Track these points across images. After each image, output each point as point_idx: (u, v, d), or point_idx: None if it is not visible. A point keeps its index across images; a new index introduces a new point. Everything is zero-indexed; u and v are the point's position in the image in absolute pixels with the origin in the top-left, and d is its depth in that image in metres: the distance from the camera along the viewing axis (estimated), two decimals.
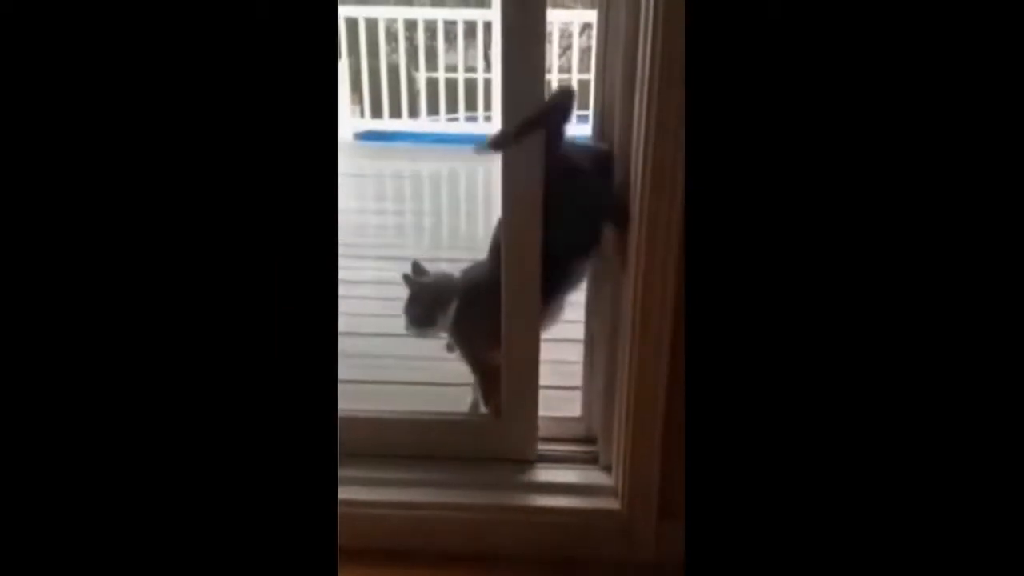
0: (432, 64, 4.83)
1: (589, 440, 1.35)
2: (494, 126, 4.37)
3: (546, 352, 1.26)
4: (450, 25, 4.82)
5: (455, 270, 1.34)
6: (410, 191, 4.13)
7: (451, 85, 4.81)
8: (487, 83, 4.72)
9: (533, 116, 1.11)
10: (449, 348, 1.35)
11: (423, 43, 5.07)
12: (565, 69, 4.86)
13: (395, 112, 4.85)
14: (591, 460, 1.31)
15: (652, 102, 0.99)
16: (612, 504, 1.23)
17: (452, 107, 4.89)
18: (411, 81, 4.96)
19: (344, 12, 4.50)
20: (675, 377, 1.12)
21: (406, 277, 1.30)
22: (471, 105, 4.84)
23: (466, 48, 5.00)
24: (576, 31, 5.03)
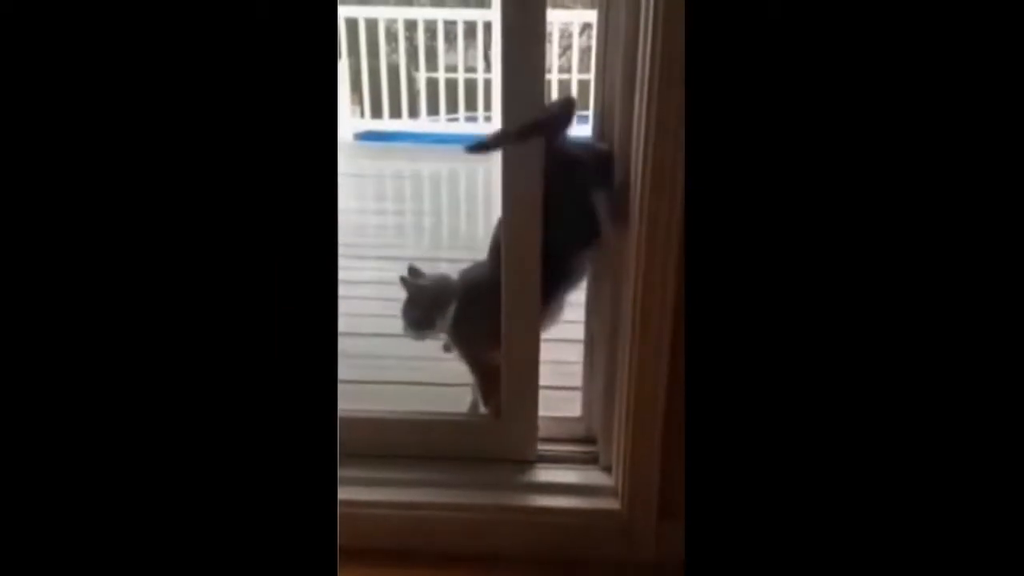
0: (432, 64, 4.83)
1: (589, 440, 1.35)
2: (494, 126, 4.36)
3: (546, 352, 1.26)
4: (450, 25, 4.82)
5: (454, 271, 1.34)
6: (410, 191, 4.13)
7: (451, 85, 4.81)
8: (487, 83, 4.72)
9: (532, 122, 1.11)
10: (446, 348, 1.35)
11: (423, 43, 5.07)
12: (565, 69, 4.85)
13: (395, 112, 4.85)
14: (591, 460, 1.31)
15: (652, 102, 0.99)
16: (612, 504, 1.23)
17: (452, 107, 4.88)
18: (411, 81, 4.96)
19: (344, 12, 4.49)
20: (675, 377, 1.12)
21: (403, 280, 1.30)
22: (471, 105, 4.83)
23: (466, 48, 5.00)
24: (576, 31, 5.03)
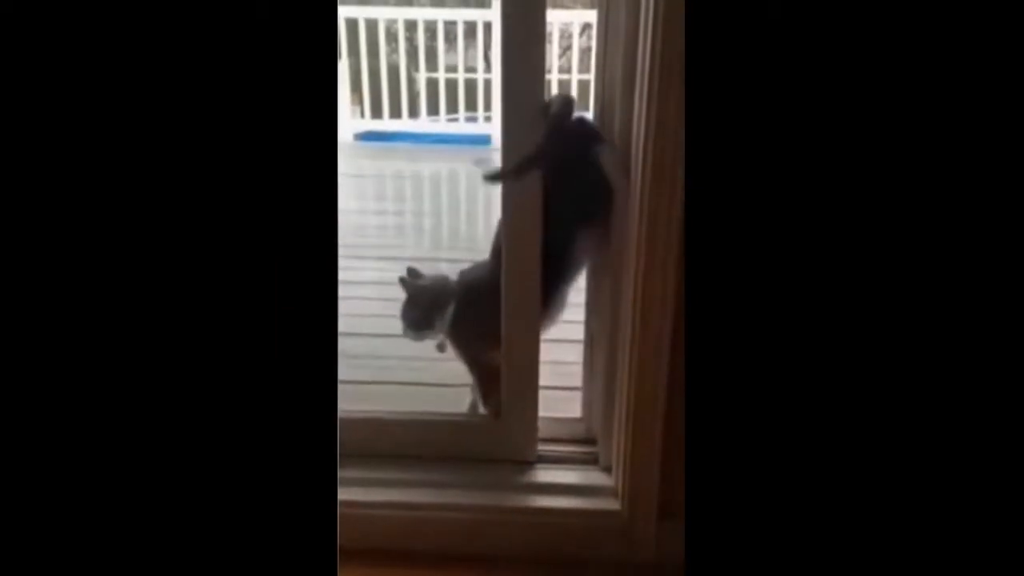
0: (432, 64, 4.83)
1: (589, 441, 1.35)
2: (494, 126, 4.37)
3: (546, 353, 1.26)
4: (450, 25, 4.82)
5: (453, 272, 1.34)
6: (410, 191, 4.13)
7: (451, 85, 4.81)
8: (487, 83, 4.72)
9: (541, 143, 1.11)
10: (440, 348, 1.35)
11: (423, 43, 5.07)
12: (565, 69, 4.85)
13: (395, 112, 4.84)
14: (591, 461, 1.31)
15: (652, 100, 0.99)
16: (612, 505, 1.23)
17: (452, 107, 4.88)
18: (411, 81, 4.96)
19: (344, 12, 4.49)
20: (675, 377, 1.12)
21: (403, 280, 1.30)
22: (471, 105, 4.83)
23: (466, 48, 5.00)
24: (576, 31, 5.03)
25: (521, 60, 1.09)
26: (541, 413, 1.30)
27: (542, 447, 1.32)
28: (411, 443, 1.31)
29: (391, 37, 4.97)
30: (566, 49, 5.00)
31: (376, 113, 4.84)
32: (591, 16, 4.07)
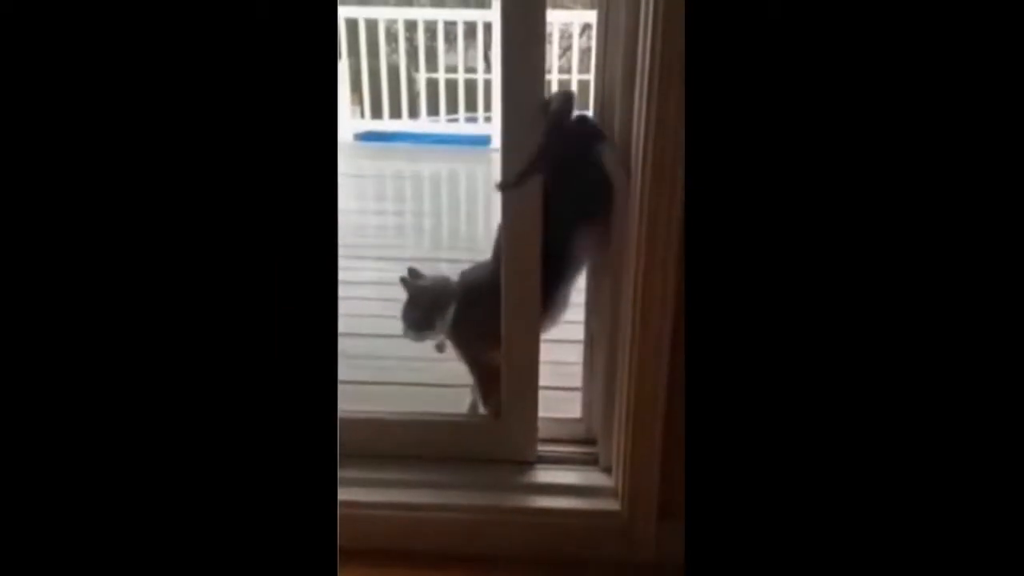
0: (432, 65, 4.83)
1: (589, 441, 1.35)
2: (494, 127, 4.37)
3: (546, 353, 1.26)
4: (450, 26, 4.82)
5: (454, 272, 1.34)
6: (410, 192, 4.13)
7: (451, 86, 4.81)
8: (487, 84, 4.72)
9: (544, 141, 1.11)
10: (439, 348, 1.35)
11: (423, 44, 5.07)
12: (565, 69, 4.85)
13: (395, 113, 4.84)
14: (591, 461, 1.31)
15: (652, 99, 0.99)
16: (612, 505, 1.23)
17: (452, 108, 4.88)
18: (411, 82, 4.96)
19: (344, 13, 4.49)
20: (675, 377, 1.12)
21: (403, 281, 1.30)
22: (471, 106, 4.83)
23: (466, 49, 5.00)
24: (576, 32, 5.03)
25: (521, 60, 1.09)
26: (541, 413, 1.30)
27: (542, 447, 1.32)
28: (411, 443, 1.31)
29: (391, 37, 4.97)
30: (566, 49, 5.00)
31: (376, 113, 4.85)
32: (591, 16, 4.07)
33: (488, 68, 4.76)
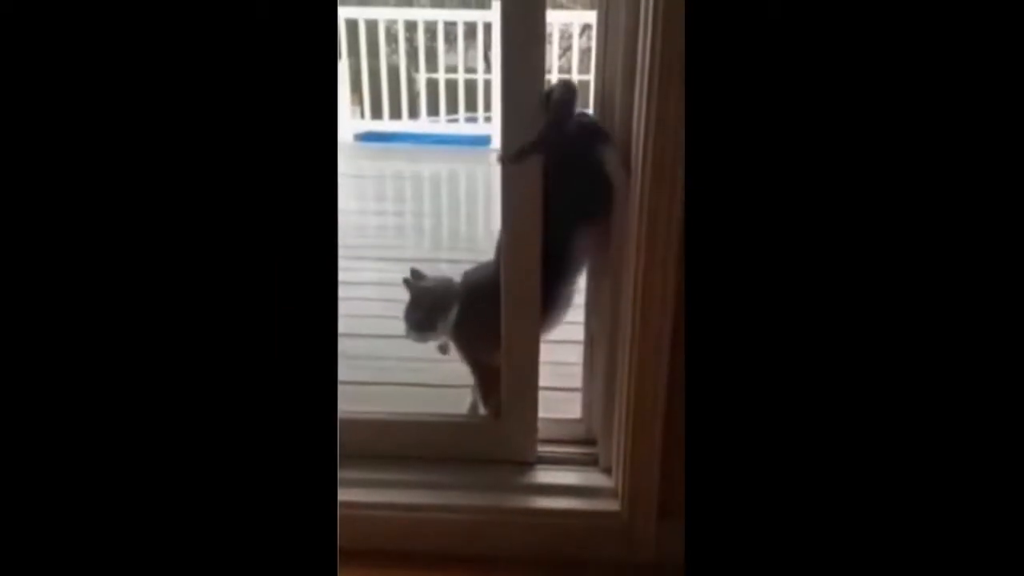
0: (432, 65, 4.83)
1: (589, 442, 1.34)
2: (494, 127, 4.37)
3: (546, 353, 1.26)
4: (450, 26, 4.82)
5: (454, 272, 1.34)
6: (410, 192, 4.13)
7: (451, 86, 4.81)
8: (487, 84, 4.72)
9: (548, 121, 1.11)
10: (442, 349, 1.35)
11: (423, 44, 5.06)
12: (565, 70, 4.86)
13: (395, 113, 4.84)
14: (591, 462, 1.31)
15: (652, 99, 0.99)
16: (612, 506, 1.23)
17: (452, 108, 4.88)
18: (411, 82, 4.96)
19: (344, 13, 4.49)
20: (675, 377, 1.11)
21: (406, 282, 1.30)
22: (471, 106, 4.83)
23: (466, 49, 5.00)
24: (576, 32, 5.03)
25: (521, 61, 1.09)
26: (541, 414, 1.30)
27: (542, 448, 1.32)
28: (411, 444, 1.31)
29: (391, 38, 4.97)
30: (566, 49, 5.00)
31: (376, 114, 4.84)
32: (591, 17, 4.07)
33: (488, 68, 4.76)
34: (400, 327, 1.31)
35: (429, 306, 1.28)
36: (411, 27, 5.04)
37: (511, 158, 1.14)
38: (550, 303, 1.23)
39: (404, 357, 1.80)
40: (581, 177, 1.15)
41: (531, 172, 1.14)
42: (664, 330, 1.09)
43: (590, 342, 1.34)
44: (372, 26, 4.79)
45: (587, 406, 1.37)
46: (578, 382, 1.39)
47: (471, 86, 4.79)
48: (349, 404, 1.11)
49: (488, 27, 4.57)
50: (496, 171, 1.17)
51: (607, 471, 1.28)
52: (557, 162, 1.14)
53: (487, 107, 4.76)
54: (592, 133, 1.16)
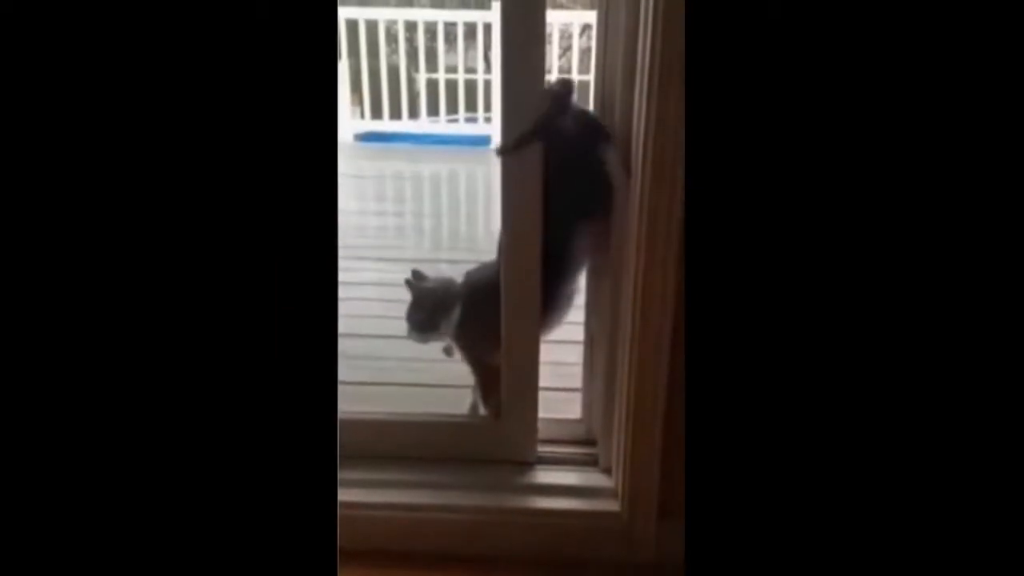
0: (432, 65, 4.82)
1: (589, 442, 1.34)
2: (494, 127, 4.37)
3: (546, 354, 1.26)
4: (450, 26, 4.81)
5: (456, 273, 1.34)
6: (410, 192, 4.13)
7: (451, 86, 4.80)
8: (487, 84, 4.72)
9: (536, 123, 1.11)
10: (447, 351, 1.35)
11: (423, 44, 5.06)
12: (565, 70, 4.86)
13: (395, 113, 4.84)
14: (591, 462, 1.31)
15: (652, 98, 0.99)
16: (612, 506, 1.23)
17: (452, 108, 4.88)
18: (411, 82, 4.95)
19: (344, 13, 4.49)
20: (675, 377, 1.11)
21: (408, 283, 1.30)
22: (471, 106, 4.83)
23: (466, 49, 5.00)
24: (576, 32, 5.03)
25: (521, 61, 1.09)
26: (541, 414, 1.30)
27: (542, 448, 1.32)
28: (411, 444, 1.31)
29: (391, 38, 4.97)
30: (566, 50, 5.00)
31: (376, 114, 4.84)
32: (591, 17, 4.07)
33: (488, 68, 4.76)
34: (400, 327, 1.31)
35: (431, 307, 1.28)
36: (411, 27, 5.04)
37: (506, 148, 1.14)
38: (551, 303, 1.23)
39: (404, 357, 1.80)
40: (581, 176, 1.15)
41: (531, 172, 1.14)
42: (664, 330, 1.09)
43: (590, 342, 1.34)
44: (372, 26, 4.78)
45: (587, 406, 1.37)
46: (578, 382, 1.39)
47: (471, 86, 4.79)
48: (349, 404, 1.12)
49: (488, 27, 4.56)
50: (496, 171, 1.17)
51: (607, 471, 1.28)
52: (557, 161, 1.14)
53: (487, 107, 4.75)
54: (594, 131, 1.16)
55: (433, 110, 4.88)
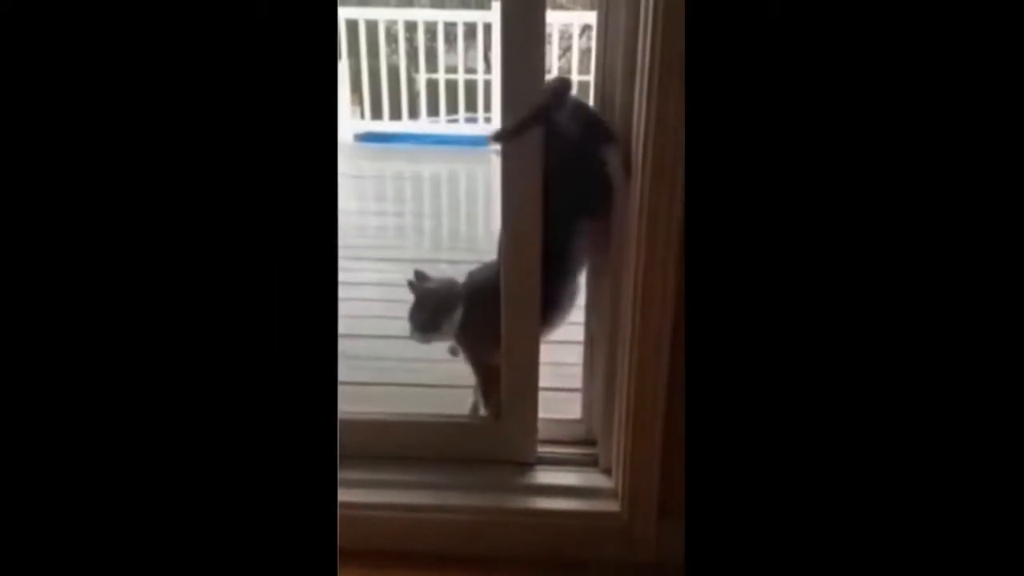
0: (432, 65, 4.82)
1: (589, 442, 1.34)
2: (494, 127, 4.36)
3: (546, 354, 1.26)
4: (450, 27, 4.81)
5: (458, 273, 1.34)
6: (410, 192, 4.13)
7: (451, 86, 4.80)
8: (487, 84, 4.72)
9: (532, 112, 1.11)
10: (452, 352, 1.35)
11: (423, 44, 5.06)
12: (565, 70, 4.86)
13: (395, 113, 4.84)
14: (591, 462, 1.31)
15: (652, 98, 0.99)
16: (612, 506, 1.23)
17: (452, 108, 4.88)
18: (411, 82, 4.96)
19: (344, 13, 4.49)
20: (675, 377, 1.11)
21: (411, 283, 1.30)
22: (471, 106, 4.83)
23: (466, 49, 5.00)
24: (576, 32, 5.03)
25: (521, 61, 1.09)
26: (541, 414, 1.30)
27: (542, 449, 1.32)
28: (411, 444, 1.31)
29: (391, 38, 4.97)
30: (566, 50, 5.00)
31: (376, 114, 4.84)
32: (591, 17, 4.07)
33: (488, 68, 4.76)
34: (400, 327, 1.31)
35: (433, 307, 1.28)
36: (411, 27, 5.04)
37: (502, 134, 1.13)
38: (551, 302, 1.23)
39: (404, 358, 1.80)
40: (582, 176, 1.15)
41: (531, 171, 1.14)
42: (664, 330, 1.09)
43: (590, 342, 1.34)
44: (372, 26, 4.78)
45: (587, 406, 1.37)
46: (578, 382, 1.39)
47: (471, 86, 4.79)
48: (349, 404, 1.12)
49: (488, 27, 4.57)
50: (496, 171, 1.17)
51: (607, 472, 1.28)
52: (557, 161, 1.14)
53: (487, 107, 4.75)
54: (596, 131, 1.16)
55: (433, 110, 4.88)
